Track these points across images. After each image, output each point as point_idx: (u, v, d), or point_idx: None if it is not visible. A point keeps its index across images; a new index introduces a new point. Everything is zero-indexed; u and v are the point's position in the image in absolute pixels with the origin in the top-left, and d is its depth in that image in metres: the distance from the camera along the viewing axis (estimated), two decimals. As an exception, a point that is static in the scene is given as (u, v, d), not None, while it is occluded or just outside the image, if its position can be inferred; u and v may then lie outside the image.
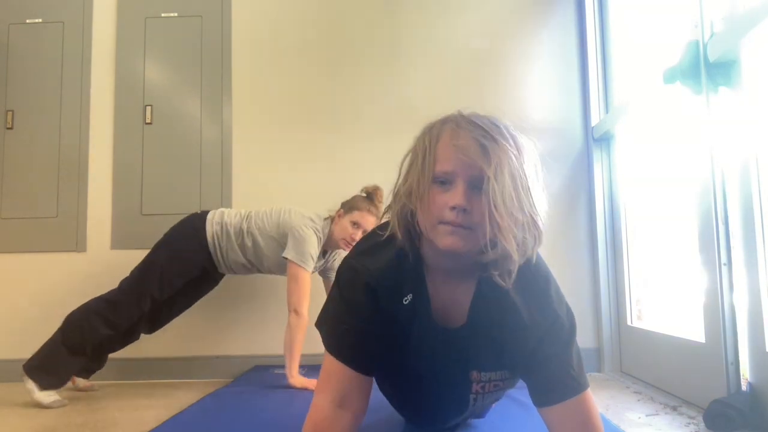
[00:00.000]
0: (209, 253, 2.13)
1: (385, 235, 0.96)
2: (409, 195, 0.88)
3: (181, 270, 2.12)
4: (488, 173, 0.80)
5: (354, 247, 1.06)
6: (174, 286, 2.10)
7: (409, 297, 0.92)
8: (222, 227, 2.12)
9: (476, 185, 0.84)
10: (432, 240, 0.87)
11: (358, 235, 2.07)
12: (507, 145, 0.83)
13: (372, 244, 0.98)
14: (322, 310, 1.05)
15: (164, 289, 2.08)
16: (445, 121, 0.89)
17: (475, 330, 0.92)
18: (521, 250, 0.85)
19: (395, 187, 0.93)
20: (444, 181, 0.84)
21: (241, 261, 2.15)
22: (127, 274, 2.12)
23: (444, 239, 0.85)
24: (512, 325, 0.92)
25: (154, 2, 2.69)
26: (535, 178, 0.86)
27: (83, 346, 2.01)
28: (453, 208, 0.83)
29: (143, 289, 2.06)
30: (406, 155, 0.92)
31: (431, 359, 1.03)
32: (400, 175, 0.92)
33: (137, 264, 2.13)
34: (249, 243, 2.12)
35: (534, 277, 0.94)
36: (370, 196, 2.13)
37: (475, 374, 1.04)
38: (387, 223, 0.97)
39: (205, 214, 2.17)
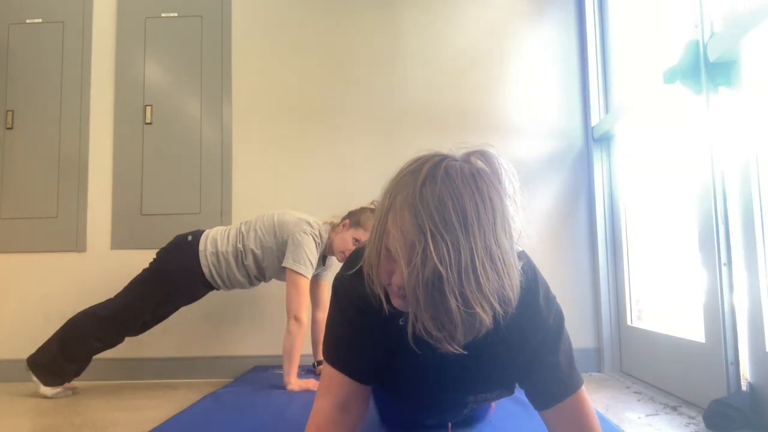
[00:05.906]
0: (208, 281, 2.13)
1: None
2: (369, 259, 0.87)
3: (178, 300, 2.16)
4: (405, 274, 0.75)
5: (347, 262, 1.03)
6: (168, 312, 2.17)
7: (404, 319, 0.88)
8: (218, 256, 2.09)
9: None
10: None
11: None
12: (444, 243, 0.73)
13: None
14: (326, 327, 1.04)
15: (157, 315, 2.15)
16: (401, 187, 0.80)
17: (468, 355, 0.84)
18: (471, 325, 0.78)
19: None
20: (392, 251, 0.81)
21: (243, 279, 2.14)
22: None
23: (393, 300, 0.85)
24: (505, 346, 0.91)
25: (154, 2, 2.69)
26: (486, 264, 0.74)
27: (81, 358, 2.09)
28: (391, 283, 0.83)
29: (137, 315, 2.09)
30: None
31: (426, 380, 1.03)
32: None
33: (132, 282, 2.12)
34: (249, 261, 2.10)
35: (522, 289, 0.85)
36: None
37: (471, 398, 1.09)
38: None
39: (196, 243, 2.10)
